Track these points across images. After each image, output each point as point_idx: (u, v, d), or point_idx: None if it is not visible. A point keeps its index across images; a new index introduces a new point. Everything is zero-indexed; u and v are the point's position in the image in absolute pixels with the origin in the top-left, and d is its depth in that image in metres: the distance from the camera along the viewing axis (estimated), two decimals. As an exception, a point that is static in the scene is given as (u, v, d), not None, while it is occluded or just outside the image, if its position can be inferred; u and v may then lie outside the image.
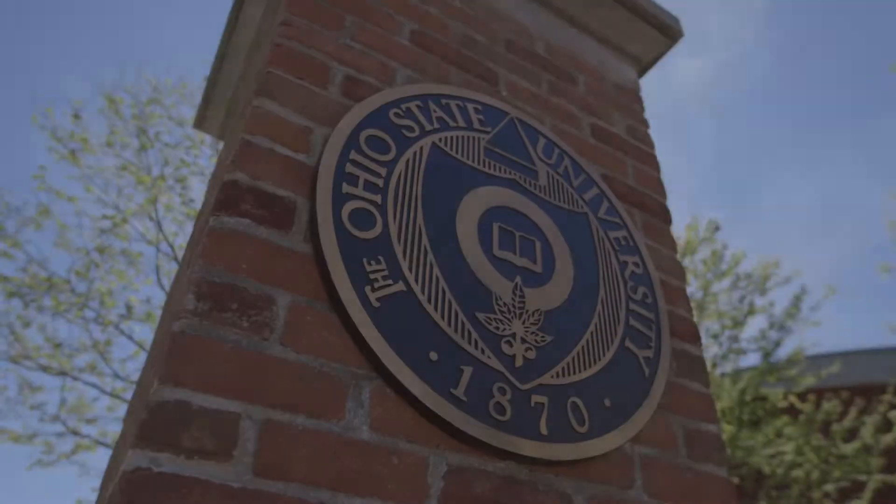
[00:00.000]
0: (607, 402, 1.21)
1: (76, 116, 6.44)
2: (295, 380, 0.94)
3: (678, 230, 12.45)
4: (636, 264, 1.51)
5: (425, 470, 0.97)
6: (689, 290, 10.19)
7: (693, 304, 10.00)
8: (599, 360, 1.26)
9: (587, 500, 1.10)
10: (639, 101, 2.06)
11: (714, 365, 9.49)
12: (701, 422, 1.38)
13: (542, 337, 1.20)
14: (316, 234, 1.06)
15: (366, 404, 0.98)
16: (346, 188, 1.14)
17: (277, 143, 1.16)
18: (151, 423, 0.81)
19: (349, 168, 1.17)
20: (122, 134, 6.70)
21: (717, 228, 10.28)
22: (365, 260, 1.07)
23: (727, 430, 8.72)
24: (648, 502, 1.18)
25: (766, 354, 9.15)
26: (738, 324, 9.44)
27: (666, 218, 1.75)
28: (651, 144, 1.93)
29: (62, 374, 6.42)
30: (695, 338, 1.53)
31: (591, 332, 1.29)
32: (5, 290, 5.90)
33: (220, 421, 0.85)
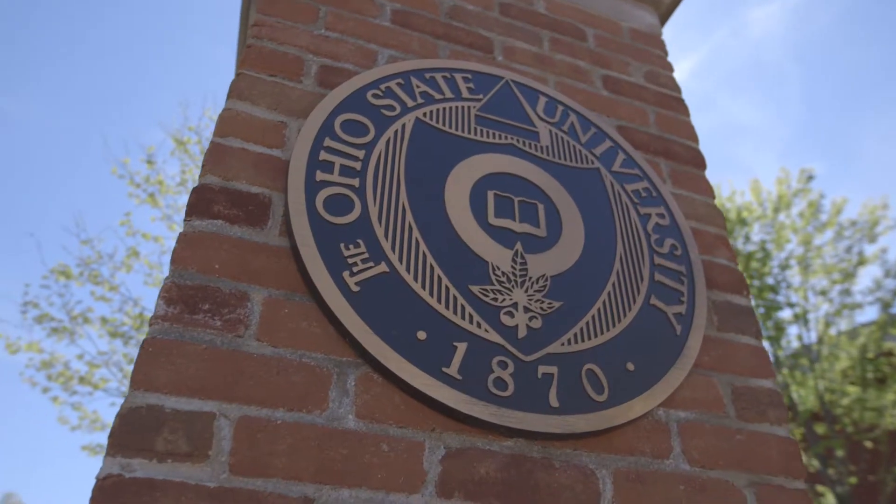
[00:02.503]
0: (630, 367, 1.11)
1: (150, 162, 6.90)
2: (272, 374, 0.92)
3: (769, 185, 11.63)
4: (661, 216, 1.38)
5: (421, 455, 0.92)
6: (790, 246, 9.48)
7: (795, 262, 9.30)
8: (619, 321, 1.16)
9: (613, 475, 1.01)
10: (660, 45, 1.90)
11: (827, 324, 8.75)
12: (751, 378, 1.24)
13: (550, 304, 1.12)
14: (290, 225, 1.04)
15: (351, 393, 0.94)
16: (320, 176, 1.11)
17: (250, 142, 1.15)
18: (123, 429, 0.81)
19: (323, 156, 1.14)
20: (193, 172, 7.10)
21: (810, 177, 9.50)
22: (342, 245, 1.04)
23: (851, 391, 8.01)
24: (690, 472, 1.06)
25: (886, 305, 8.33)
26: (849, 276, 8.65)
27: (698, 163, 1.60)
28: (676, 88, 1.77)
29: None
30: (739, 287, 1.38)
31: (609, 293, 1.19)
32: (108, 331, 6.41)
33: (194, 422, 0.84)
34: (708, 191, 1.55)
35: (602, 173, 1.39)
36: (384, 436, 0.92)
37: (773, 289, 9.16)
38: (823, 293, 8.83)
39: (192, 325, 0.92)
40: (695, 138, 1.66)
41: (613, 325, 1.15)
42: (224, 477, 0.82)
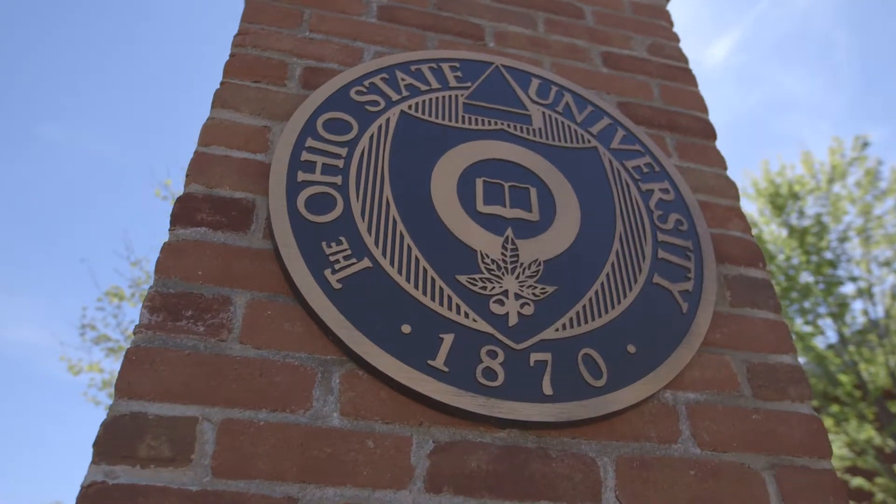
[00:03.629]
0: (631, 349, 1.06)
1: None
2: (255, 376, 0.92)
3: (821, 156, 11.08)
4: (664, 191, 1.32)
5: (408, 450, 0.90)
6: (848, 218, 9.01)
7: (855, 234, 8.82)
8: (619, 303, 1.11)
9: (615, 462, 0.97)
10: (664, 15, 1.83)
11: (894, 297, 8.26)
12: (769, 354, 1.17)
13: (543, 289, 1.08)
14: (272, 227, 1.04)
15: (335, 390, 0.93)
16: (301, 176, 1.11)
17: (233, 149, 1.16)
18: (107, 437, 0.82)
19: (305, 156, 1.13)
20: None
21: (865, 144, 9.01)
22: (324, 243, 1.03)
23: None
24: (700, 456, 1.01)
25: (957, 273, 7.79)
26: (915, 245, 8.13)
27: (707, 134, 1.53)
28: (682, 59, 1.70)
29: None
30: (755, 259, 1.31)
31: (608, 275, 1.14)
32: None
33: (177, 427, 0.85)
34: (718, 162, 1.47)
35: (600, 152, 1.34)
36: (370, 432, 0.91)
37: (833, 263, 8.72)
38: (888, 264, 8.36)
39: (175, 332, 0.93)
40: (703, 108, 1.58)
41: (612, 307, 1.10)
42: (207, 480, 0.82)
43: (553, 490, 0.92)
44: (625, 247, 1.19)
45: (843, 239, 8.85)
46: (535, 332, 1.03)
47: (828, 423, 7.76)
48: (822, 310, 8.77)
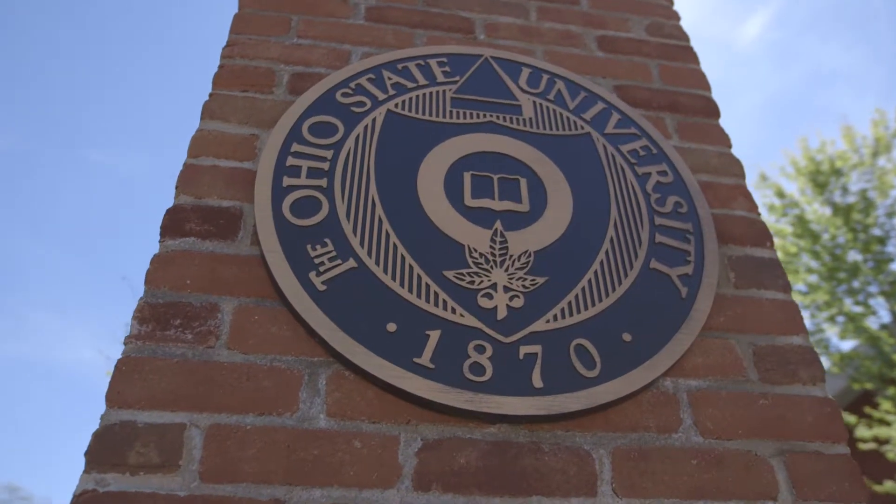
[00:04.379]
0: (627, 337, 1.03)
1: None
2: (242, 381, 0.93)
3: (863, 129, 10.63)
4: (662, 173, 1.28)
5: (396, 449, 0.90)
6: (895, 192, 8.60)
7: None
8: (614, 290, 1.08)
9: (612, 454, 0.94)
10: (664, -7, 1.78)
11: (948, 273, 7.86)
12: (778, 336, 1.12)
13: (533, 281, 1.06)
14: (257, 233, 1.05)
15: (322, 392, 0.93)
16: (287, 181, 1.11)
17: (221, 158, 1.17)
18: (98, 446, 0.84)
19: (291, 161, 1.14)
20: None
21: (910, 113, 8.58)
22: (309, 246, 1.04)
23: None
24: (703, 445, 0.97)
25: None
26: (970, 216, 7.72)
27: (709, 112, 1.48)
28: (683, 37, 1.65)
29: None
30: (761, 239, 1.26)
31: (601, 262, 1.11)
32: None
33: (165, 434, 0.86)
34: (722, 140, 1.42)
35: (593, 137, 1.31)
36: (357, 432, 0.90)
37: (882, 240, 8.36)
38: (941, 239, 7.95)
39: (163, 341, 0.95)
40: (705, 86, 1.53)
41: (607, 295, 1.07)
42: (195, 485, 0.83)
43: (546, 485, 0.90)
44: (620, 233, 1.16)
45: (891, 214, 8.47)
46: (524, 325, 1.01)
47: (886, 405, 7.43)
48: (872, 289, 8.42)
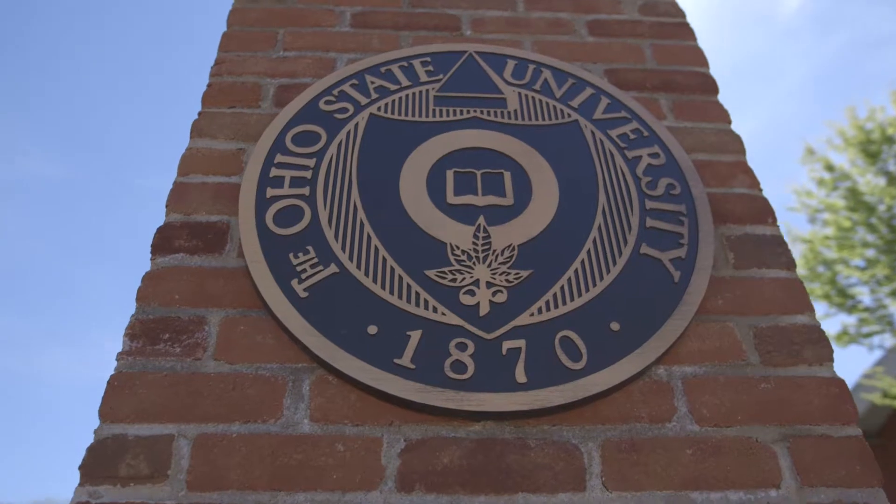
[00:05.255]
0: (615, 326, 1.00)
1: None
2: (228, 390, 0.95)
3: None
4: (654, 155, 1.24)
5: (379, 451, 0.90)
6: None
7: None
8: (601, 279, 1.06)
9: (601, 447, 0.92)
10: (659, -30, 1.73)
11: None
12: (781, 315, 1.07)
13: (517, 274, 1.05)
14: (241, 245, 1.07)
15: (306, 397, 0.94)
16: (270, 192, 1.13)
17: (209, 175, 1.20)
18: (91, 460, 0.88)
19: (274, 172, 1.16)
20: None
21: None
22: (291, 255, 1.05)
23: None
24: (699, 433, 0.94)
25: None
26: None
27: (706, 89, 1.42)
28: (678, 13, 1.60)
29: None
30: (762, 215, 1.20)
31: (589, 251, 1.09)
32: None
33: (155, 445, 0.89)
34: (719, 116, 1.37)
35: (581, 124, 1.29)
36: (340, 436, 0.91)
37: (942, 209, 7.89)
38: None
39: (153, 356, 0.98)
40: (702, 62, 1.48)
41: (594, 285, 1.05)
42: (182, 494, 0.85)
43: (531, 481, 0.88)
44: (608, 220, 1.14)
45: (951, 179, 7.99)
46: (507, 320, 0.99)
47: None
48: (936, 260, 7.96)
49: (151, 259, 1.09)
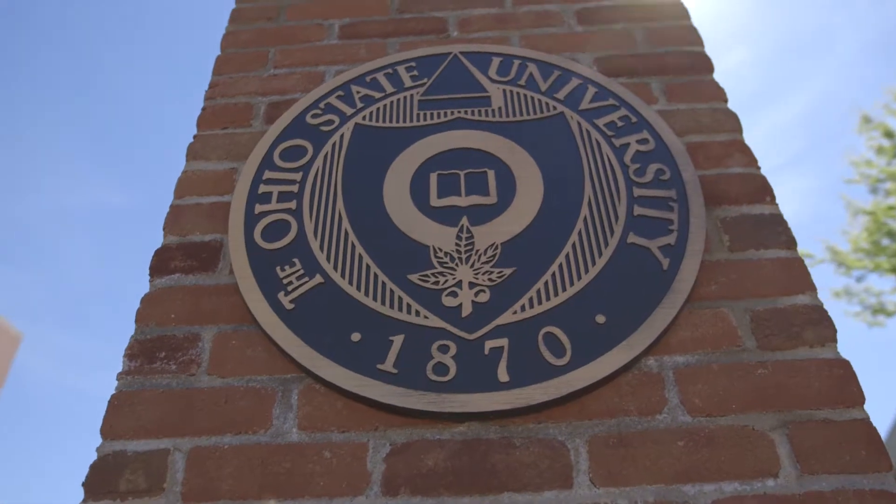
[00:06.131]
0: (600, 319, 0.98)
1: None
2: (220, 404, 0.98)
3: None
4: (642, 141, 1.21)
5: (365, 456, 0.91)
6: None
7: None
8: (586, 272, 1.04)
9: (588, 443, 0.90)
10: (651, -50, 1.68)
11: None
12: (780, 297, 1.03)
13: (500, 273, 1.04)
14: (231, 262, 1.10)
15: (294, 407, 0.96)
16: (258, 208, 1.16)
17: (203, 196, 1.24)
18: (94, 477, 0.92)
19: (262, 188, 1.19)
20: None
21: None
22: (278, 268, 1.08)
23: None
24: (691, 424, 0.91)
25: None
26: None
27: (700, 68, 1.38)
28: (670, -9, 1.55)
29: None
30: (760, 194, 1.16)
31: (574, 244, 1.07)
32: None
33: (151, 460, 0.93)
34: (714, 95, 1.33)
35: (567, 116, 1.27)
36: (326, 443, 0.93)
37: None
38: None
39: (150, 374, 1.02)
40: (696, 41, 1.44)
41: (579, 278, 1.03)
42: (177, 506, 0.89)
43: (516, 480, 0.88)
44: (594, 211, 1.12)
45: None
46: (490, 319, 0.99)
47: None
48: None
49: (150, 281, 1.13)
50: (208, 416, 0.96)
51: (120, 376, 1.02)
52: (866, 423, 0.90)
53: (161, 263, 1.15)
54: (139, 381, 1.01)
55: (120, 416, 0.97)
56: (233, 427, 0.95)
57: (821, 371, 0.95)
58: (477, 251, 1.07)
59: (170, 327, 1.07)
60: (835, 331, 0.99)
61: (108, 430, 0.96)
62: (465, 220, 1.11)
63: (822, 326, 0.99)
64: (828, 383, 0.94)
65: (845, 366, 0.95)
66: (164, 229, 1.20)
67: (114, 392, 1.01)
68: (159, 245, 1.18)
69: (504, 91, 1.32)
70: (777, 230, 1.11)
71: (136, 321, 1.08)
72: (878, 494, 0.84)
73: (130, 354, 1.04)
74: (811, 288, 1.04)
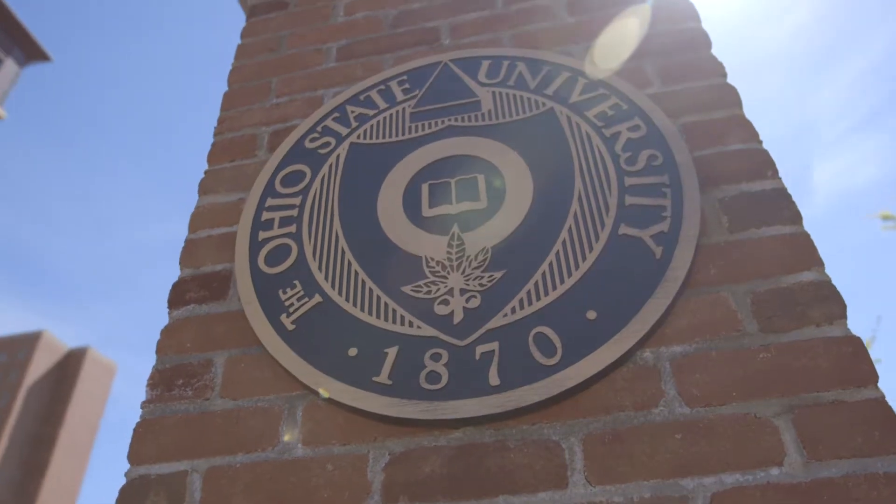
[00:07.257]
0: (591, 315, 0.97)
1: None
2: (232, 425, 1.03)
3: None
4: (634, 128, 1.19)
5: (365, 467, 0.94)
6: None
7: None
8: (576, 269, 1.03)
9: (583, 441, 0.90)
10: (643, -71, 1.64)
11: None
12: (784, 275, 0.99)
13: (490, 277, 1.05)
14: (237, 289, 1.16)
15: (299, 423, 1.00)
16: (262, 235, 1.21)
17: (215, 227, 1.31)
18: (122, 500, 0.99)
19: (265, 215, 1.25)
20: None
21: None
22: (280, 291, 1.12)
23: None
24: (690, 416, 0.89)
25: None
26: None
27: (696, 44, 1.33)
28: (663, -31, 1.51)
29: None
30: (761, 169, 1.11)
31: (564, 241, 1.06)
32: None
33: (172, 482, 0.99)
34: (712, 71, 1.28)
35: (556, 111, 1.26)
36: (329, 456, 0.96)
37: None
38: None
39: (170, 401, 1.08)
40: (692, 17, 1.39)
41: (569, 276, 1.02)
42: (195, 524, 0.94)
43: (512, 482, 0.88)
44: (584, 206, 1.10)
45: None
46: (480, 324, 1.00)
47: None
48: None
49: (168, 314, 1.21)
50: (222, 437, 1.02)
51: (143, 405, 1.09)
52: (881, 402, 0.85)
53: (177, 296, 1.22)
54: (160, 409, 1.08)
55: (144, 442, 1.04)
56: (244, 446, 1.00)
57: (829, 350, 0.90)
58: (468, 257, 1.08)
59: (186, 355, 1.13)
60: (844, 307, 0.93)
61: (133, 456, 1.03)
62: (455, 228, 1.12)
63: (829, 303, 0.94)
64: (837, 363, 0.89)
65: (856, 343, 0.90)
66: (180, 263, 1.28)
67: (138, 420, 1.08)
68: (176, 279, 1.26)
69: (493, 93, 1.32)
70: (780, 205, 1.06)
71: (157, 352, 1.15)
72: (893, 477, 0.79)
73: (152, 384, 1.11)
74: (818, 263, 0.98)
